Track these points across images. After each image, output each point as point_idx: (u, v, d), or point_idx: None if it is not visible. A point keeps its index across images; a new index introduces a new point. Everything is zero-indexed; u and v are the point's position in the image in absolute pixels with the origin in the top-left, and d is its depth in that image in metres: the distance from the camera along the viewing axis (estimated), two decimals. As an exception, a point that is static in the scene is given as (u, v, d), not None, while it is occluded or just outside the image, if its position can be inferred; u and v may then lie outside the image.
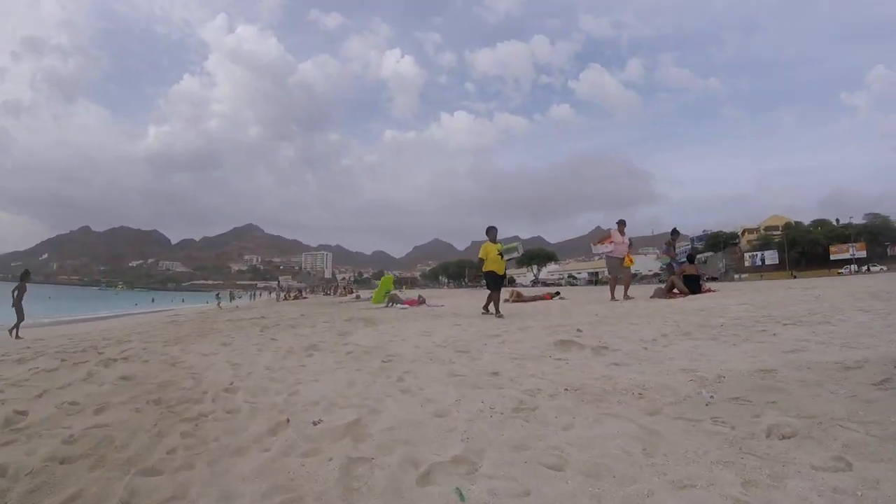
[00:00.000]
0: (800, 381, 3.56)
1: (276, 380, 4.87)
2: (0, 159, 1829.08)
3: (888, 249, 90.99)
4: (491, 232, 11.84)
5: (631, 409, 3.30)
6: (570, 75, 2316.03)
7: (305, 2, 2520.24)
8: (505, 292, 20.55)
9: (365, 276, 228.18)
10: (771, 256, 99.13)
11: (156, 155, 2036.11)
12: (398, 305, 18.36)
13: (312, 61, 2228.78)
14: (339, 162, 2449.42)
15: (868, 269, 76.46)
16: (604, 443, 2.78)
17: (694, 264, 15.21)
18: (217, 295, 55.21)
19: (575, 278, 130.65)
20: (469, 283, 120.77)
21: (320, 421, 3.42)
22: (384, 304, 19.08)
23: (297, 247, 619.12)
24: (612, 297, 14.17)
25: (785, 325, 6.46)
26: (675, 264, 16.25)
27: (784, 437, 2.66)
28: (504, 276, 12.15)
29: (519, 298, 18.50)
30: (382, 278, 27.44)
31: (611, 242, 14.87)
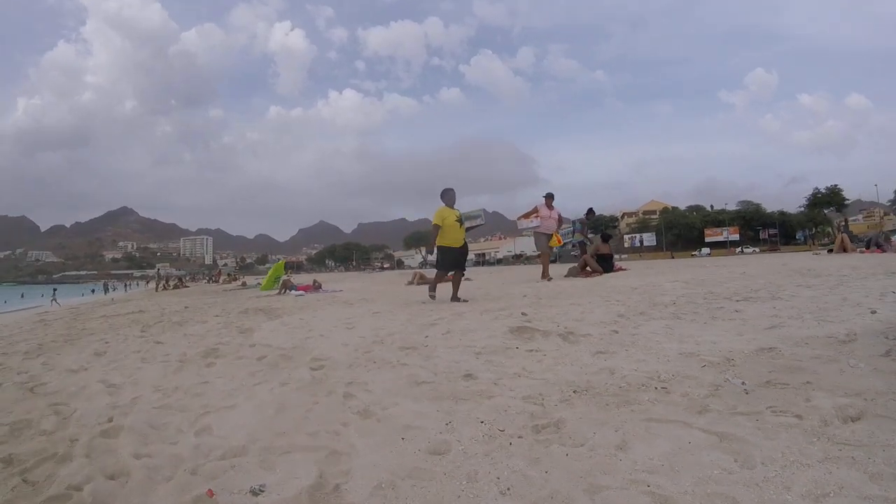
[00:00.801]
0: (813, 357, 3.37)
1: (172, 408, 3.35)
2: None
3: (759, 233, 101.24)
4: (448, 195, 9.41)
5: (675, 410, 2.68)
6: (462, 59, 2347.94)
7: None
8: (408, 275, 20.00)
9: (249, 261, 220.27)
10: (649, 238, 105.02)
11: (24, 131, 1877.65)
12: (293, 292, 17.03)
13: (197, 30, 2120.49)
14: (221, 139, 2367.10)
15: (742, 251, 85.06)
16: (688, 462, 2.10)
17: (608, 244, 14.95)
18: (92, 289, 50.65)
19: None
20: (362, 267, 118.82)
21: (262, 488, 2.08)
22: (276, 292, 17.72)
23: (174, 231, 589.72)
24: (546, 277, 13.49)
25: (738, 301, 6.43)
26: (587, 243, 16.02)
27: (855, 420, 2.37)
28: (465, 250, 9.61)
29: (423, 281, 17.84)
30: (275, 264, 26.09)
31: (537, 217, 13.99)
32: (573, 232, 16.73)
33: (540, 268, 15.51)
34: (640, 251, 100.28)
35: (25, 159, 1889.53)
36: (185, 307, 13.09)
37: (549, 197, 14.15)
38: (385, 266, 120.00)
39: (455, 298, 8.91)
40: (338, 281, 28.41)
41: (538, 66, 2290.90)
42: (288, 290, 17.22)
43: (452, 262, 9.33)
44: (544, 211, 13.92)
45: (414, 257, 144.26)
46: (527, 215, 14.28)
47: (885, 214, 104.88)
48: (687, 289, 8.25)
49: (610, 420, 2.60)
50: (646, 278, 11.09)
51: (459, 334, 5.29)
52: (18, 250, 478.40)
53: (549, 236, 13.90)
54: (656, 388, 3.04)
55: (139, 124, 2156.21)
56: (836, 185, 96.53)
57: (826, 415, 2.40)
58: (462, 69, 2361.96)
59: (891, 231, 60.65)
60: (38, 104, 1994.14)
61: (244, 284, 34.11)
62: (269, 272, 25.14)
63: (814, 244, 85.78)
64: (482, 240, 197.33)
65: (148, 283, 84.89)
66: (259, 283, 32.35)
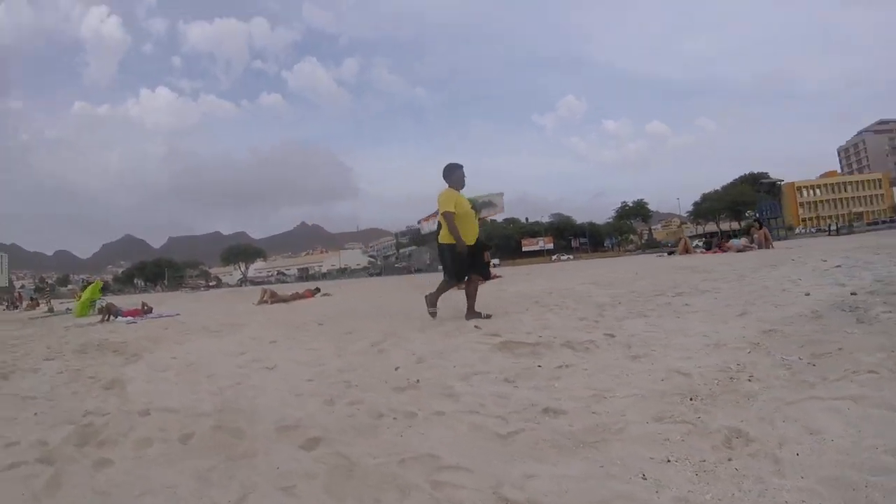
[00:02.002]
0: (815, 331, 3.67)
1: None
2: None
3: (571, 242, 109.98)
4: (456, 173, 6.62)
5: (814, 391, 2.57)
6: (285, 65, 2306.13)
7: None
8: (257, 293, 18.07)
9: (49, 281, 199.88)
10: None
11: None
12: (120, 318, 14.57)
13: (4, 4, 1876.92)
14: (16, 136, 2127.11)
15: (558, 258, 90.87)
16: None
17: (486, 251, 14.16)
18: None
19: (284, 275, 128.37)
20: (181, 286, 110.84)
21: None
22: (98, 319, 15.12)
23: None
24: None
25: (674, 296, 6.59)
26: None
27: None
28: (481, 247, 6.90)
29: (276, 299, 15.93)
30: (90, 286, 22.87)
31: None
32: None
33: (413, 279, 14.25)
34: None
35: None
36: (21, 337, 10.49)
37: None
38: (211, 284, 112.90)
39: (473, 314, 6.28)
40: (162, 302, 25.24)
41: (361, 78, 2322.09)
42: (112, 317, 14.79)
43: (469, 265, 6.50)
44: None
45: (233, 274, 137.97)
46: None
47: (682, 223, 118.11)
48: (609, 289, 8.31)
49: (790, 412, 2.35)
50: (544, 283, 10.86)
51: (442, 359, 4.17)
52: None
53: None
54: (749, 378, 2.88)
55: None
56: (641, 199, 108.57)
57: (887, 366, 2.71)
58: (285, 75, 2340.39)
59: (694, 236, 69.56)
60: None
61: (51, 310, 29.97)
62: (84, 295, 22.08)
63: (620, 250, 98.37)
64: (304, 254, 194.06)
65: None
66: (69, 310, 28.73)
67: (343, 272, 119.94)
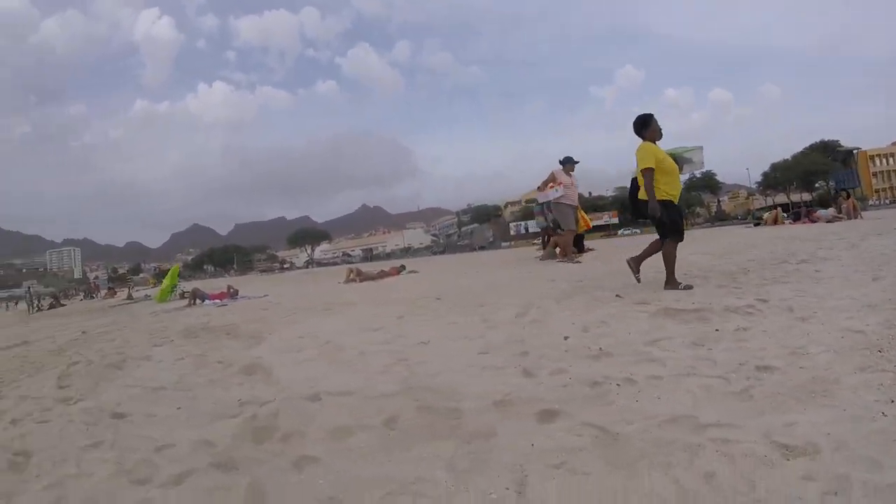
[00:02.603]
0: None
1: None
2: None
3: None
4: (651, 124, 6.00)
5: None
6: (338, 51, 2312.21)
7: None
8: (339, 272, 18.00)
9: (122, 271, 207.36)
10: (534, 226, 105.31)
11: None
12: (206, 302, 14.76)
13: (57, 18, 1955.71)
14: (82, 139, 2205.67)
15: (622, 233, 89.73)
16: None
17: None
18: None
19: (350, 256, 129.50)
20: (257, 270, 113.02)
21: None
22: (186, 303, 15.37)
23: (39, 244, 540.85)
24: (569, 257, 11.36)
25: (802, 262, 6.78)
26: (547, 222, 14.55)
27: None
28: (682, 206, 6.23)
29: (364, 277, 15.84)
30: (169, 271, 23.58)
31: (560, 185, 11.50)
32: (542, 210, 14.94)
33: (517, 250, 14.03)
34: (525, 238, 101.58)
35: None
36: (83, 332, 10.63)
37: (569, 162, 11.81)
38: (285, 266, 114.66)
39: (673, 284, 5.57)
40: (243, 285, 25.56)
41: (414, 60, 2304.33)
42: (198, 300, 15.00)
43: (671, 224, 5.76)
44: (564, 178, 11.49)
45: (299, 257, 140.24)
46: (543, 185, 11.96)
47: (750, 196, 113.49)
48: (727, 259, 8.23)
49: None
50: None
51: (607, 327, 4.09)
52: None
53: (575, 207, 11.74)
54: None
55: None
56: (709, 171, 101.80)
57: None
58: (338, 62, 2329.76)
59: (763, 208, 66.53)
60: None
61: (130, 297, 31.01)
62: (164, 281, 22.76)
63: (688, 223, 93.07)
64: (366, 235, 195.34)
65: (17, 304, 76.99)
66: (148, 296, 29.61)
67: (406, 251, 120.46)
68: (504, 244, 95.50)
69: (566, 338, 3.82)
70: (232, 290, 15.16)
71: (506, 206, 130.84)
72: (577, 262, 11.05)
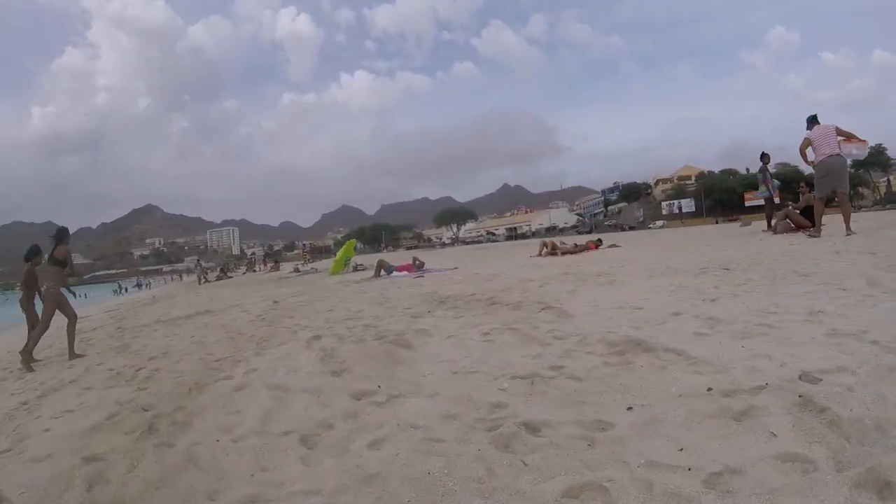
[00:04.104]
0: None
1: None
2: None
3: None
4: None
5: None
6: (473, 32, 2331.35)
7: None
8: (536, 245, 17.41)
9: (276, 248, 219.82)
10: (687, 204, 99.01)
11: (42, 138, 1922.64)
12: (394, 274, 14.35)
13: (203, 23, 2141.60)
14: (236, 130, 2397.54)
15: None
16: None
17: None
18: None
19: (494, 234, 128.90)
20: (386, 248, 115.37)
21: None
22: (372, 275, 15.07)
23: (200, 224, 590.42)
24: (848, 230, 9.96)
25: None
26: (770, 191, 13.25)
27: None
28: None
29: (565, 250, 15.78)
30: (344, 245, 23.51)
31: (849, 141, 10.30)
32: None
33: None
34: (678, 218, 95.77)
35: (46, 165, 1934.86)
36: (274, 303, 10.38)
37: (814, 121, 10.71)
38: (445, 242, 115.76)
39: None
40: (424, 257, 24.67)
41: (552, 34, 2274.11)
42: (384, 272, 14.65)
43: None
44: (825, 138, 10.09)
45: (443, 235, 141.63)
46: (848, 138, 10.29)
47: None
48: None
49: None
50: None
51: None
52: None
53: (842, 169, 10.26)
54: None
55: (156, 122, 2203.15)
56: (879, 145, 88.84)
57: None
58: (474, 42, 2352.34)
59: None
60: (52, 111, 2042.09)
61: (297, 270, 31.97)
62: (339, 253, 22.84)
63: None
64: (508, 214, 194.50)
65: (182, 277, 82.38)
66: (314, 269, 30.26)
67: (551, 231, 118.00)
68: (654, 224, 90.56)
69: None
70: (418, 263, 14.80)
71: (656, 184, 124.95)
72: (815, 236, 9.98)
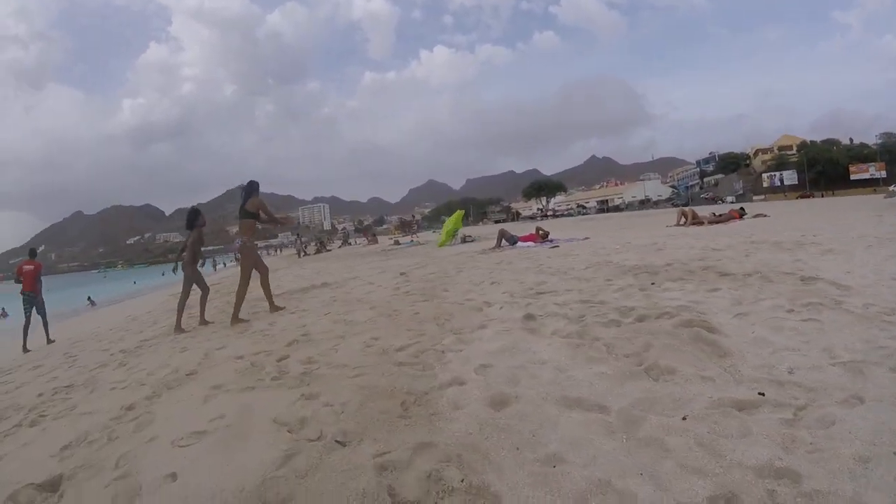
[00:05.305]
0: None
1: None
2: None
3: None
4: None
5: None
6: (552, 0, 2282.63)
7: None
8: (675, 214, 16.39)
9: (365, 223, 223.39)
10: (790, 177, 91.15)
11: (134, 129, 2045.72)
12: (519, 245, 13.09)
13: (279, 10, 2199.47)
14: (321, 111, 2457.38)
15: (891, 189, 70.06)
16: None
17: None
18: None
19: (584, 208, 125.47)
20: (471, 220, 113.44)
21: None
22: (493, 249, 13.79)
23: (291, 202, 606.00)
24: None
25: None
26: None
27: None
28: None
29: (697, 221, 14.73)
30: (452, 216, 22.30)
31: None
32: None
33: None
34: (780, 190, 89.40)
35: (140, 153, 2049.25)
36: (424, 266, 9.15)
37: None
38: (547, 213, 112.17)
39: None
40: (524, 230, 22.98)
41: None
42: (505, 242, 13.40)
43: None
44: None
45: (531, 208, 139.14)
46: None
47: None
48: None
49: None
50: None
51: None
52: (147, 235, 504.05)
53: None
54: None
55: (242, 106, 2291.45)
56: None
57: None
58: (553, 10, 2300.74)
59: None
60: (142, 102, 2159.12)
61: (397, 243, 31.10)
62: (448, 224, 21.63)
63: None
64: (596, 186, 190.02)
65: (278, 251, 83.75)
66: (413, 241, 29.42)
67: (644, 204, 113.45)
68: (757, 197, 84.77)
69: None
70: (542, 233, 13.64)
71: (755, 154, 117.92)
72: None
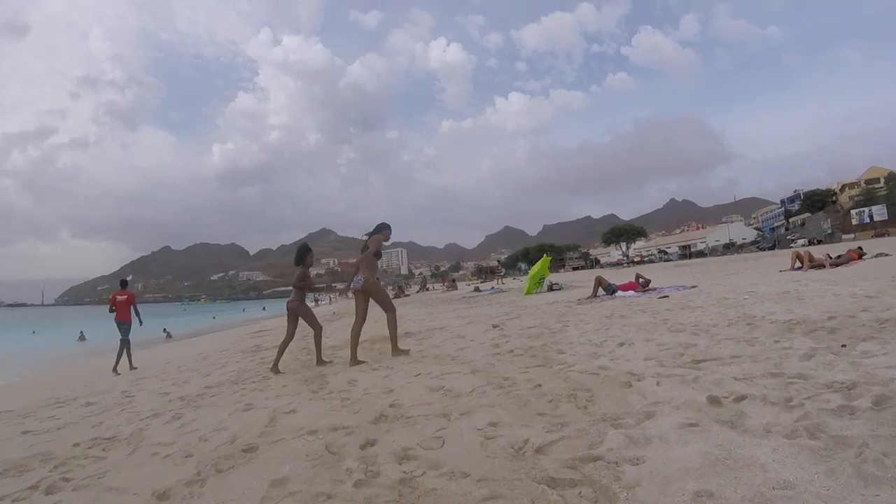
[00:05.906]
0: None
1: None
2: (74, 191, 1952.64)
3: None
4: None
5: None
6: (622, 41, 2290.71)
7: (342, 4, 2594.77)
8: (789, 257, 15.13)
9: (441, 269, 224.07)
10: (879, 212, 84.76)
11: (223, 172, 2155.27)
12: (618, 294, 11.97)
13: (360, 62, 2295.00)
14: (400, 158, 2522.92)
15: None
16: None
17: None
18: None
19: (666, 253, 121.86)
20: (581, 265, 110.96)
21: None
22: (590, 298, 12.69)
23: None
24: None
25: None
26: None
27: None
28: None
29: (817, 264, 13.49)
30: (539, 262, 21.24)
31: None
32: None
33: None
34: (870, 227, 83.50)
35: (229, 195, 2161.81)
36: (518, 317, 8.28)
37: None
38: (634, 260, 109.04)
39: None
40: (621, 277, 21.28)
41: (705, 34, 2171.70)
42: (603, 291, 12.32)
43: None
44: None
45: (611, 255, 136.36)
46: None
47: None
48: None
49: None
50: None
51: None
52: (231, 272, 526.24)
53: None
54: None
55: (325, 154, 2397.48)
56: None
57: None
58: (625, 51, 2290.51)
59: None
60: (231, 148, 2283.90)
61: (477, 290, 30.18)
62: (533, 270, 20.62)
63: None
64: (677, 231, 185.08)
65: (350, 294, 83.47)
66: (493, 289, 28.50)
67: (729, 248, 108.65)
68: (846, 236, 79.56)
69: None
70: (642, 281, 12.46)
71: (842, 190, 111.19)
72: None
